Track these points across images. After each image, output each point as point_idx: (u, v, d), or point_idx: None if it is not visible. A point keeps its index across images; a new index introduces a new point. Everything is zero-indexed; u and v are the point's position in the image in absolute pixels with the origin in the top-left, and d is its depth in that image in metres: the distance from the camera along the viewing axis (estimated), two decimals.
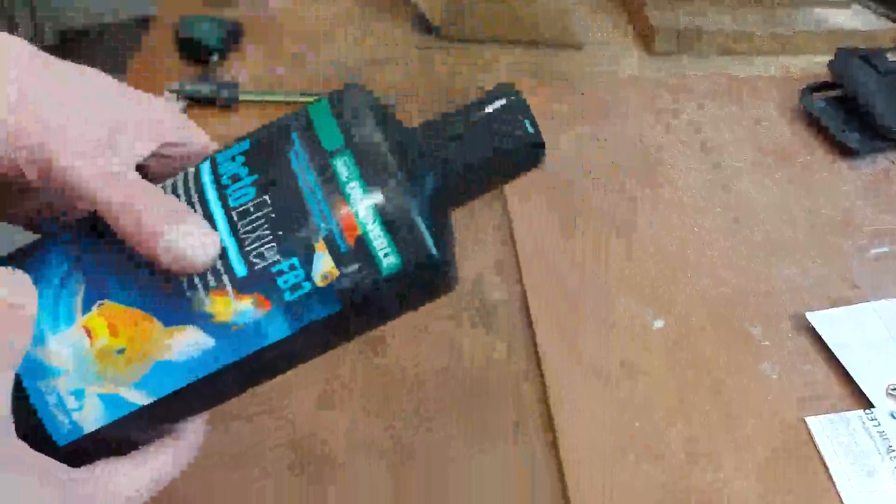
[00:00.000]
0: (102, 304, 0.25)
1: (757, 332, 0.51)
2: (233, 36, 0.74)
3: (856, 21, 0.83)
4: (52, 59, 0.25)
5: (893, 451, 0.44)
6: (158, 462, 0.27)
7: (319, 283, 0.25)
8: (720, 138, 0.67)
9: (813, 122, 0.69)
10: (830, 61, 0.71)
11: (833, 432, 0.45)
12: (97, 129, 0.24)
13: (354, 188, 0.25)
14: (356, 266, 0.25)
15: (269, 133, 0.27)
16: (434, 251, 0.25)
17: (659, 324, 0.51)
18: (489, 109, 0.27)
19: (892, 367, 0.48)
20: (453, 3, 0.77)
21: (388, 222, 0.24)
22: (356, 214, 0.24)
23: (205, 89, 0.67)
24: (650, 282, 0.54)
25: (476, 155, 0.27)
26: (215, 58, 0.71)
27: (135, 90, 0.26)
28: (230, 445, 0.43)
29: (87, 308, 0.25)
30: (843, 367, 0.48)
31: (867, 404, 0.46)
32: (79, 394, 0.25)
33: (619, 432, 0.45)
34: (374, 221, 0.24)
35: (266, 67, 0.73)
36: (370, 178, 0.25)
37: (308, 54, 0.75)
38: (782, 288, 0.54)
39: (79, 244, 0.26)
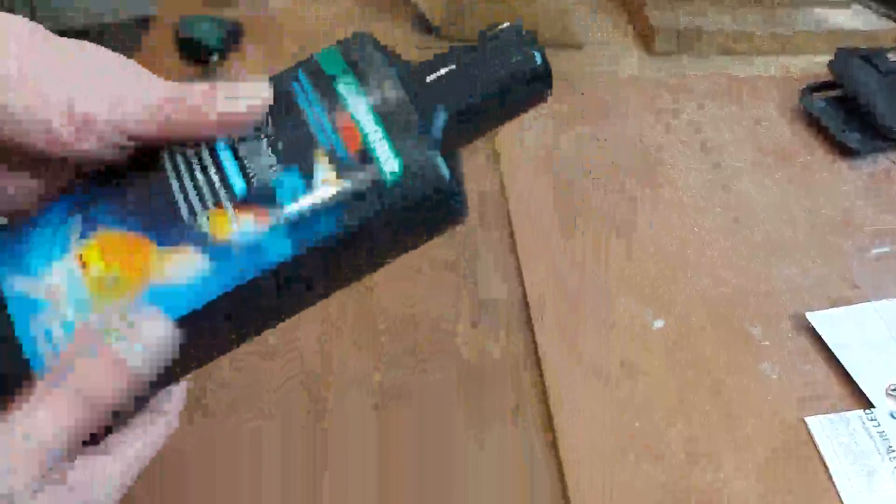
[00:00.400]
0: (96, 233, 0.24)
1: (757, 332, 0.51)
2: (233, 36, 0.74)
3: (856, 21, 0.83)
4: (52, 35, 0.25)
5: (893, 451, 0.44)
6: (150, 426, 0.26)
7: (321, 195, 0.24)
8: (720, 138, 0.67)
9: (813, 122, 0.69)
10: (830, 61, 0.71)
11: (833, 432, 0.45)
12: (97, 103, 0.24)
13: (357, 102, 0.24)
14: (358, 175, 0.24)
15: (276, 75, 0.27)
16: (438, 162, 0.24)
17: (659, 324, 0.51)
18: (497, 40, 0.27)
19: (892, 367, 0.48)
20: (453, 3, 0.77)
21: (391, 129, 0.24)
22: (358, 124, 0.24)
23: None
24: (650, 282, 0.54)
25: (485, 85, 0.26)
26: (215, 58, 0.71)
27: (136, 64, 0.26)
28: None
29: (81, 239, 0.24)
30: (843, 367, 0.48)
31: (867, 404, 0.46)
32: (68, 326, 0.24)
33: (619, 432, 0.45)
34: (377, 130, 0.24)
35: (266, 67, 0.73)
36: (373, 91, 0.24)
37: (308, 54, 0.75)
38: (782, 288, 0.54)
39: (80, 195, 0.26)
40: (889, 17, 0.84)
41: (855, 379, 0.47)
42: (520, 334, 0.50)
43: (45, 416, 0.21)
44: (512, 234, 0.57)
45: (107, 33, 1.99)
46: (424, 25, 0.80)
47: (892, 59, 0.70)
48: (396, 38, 0.79)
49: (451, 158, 0.25)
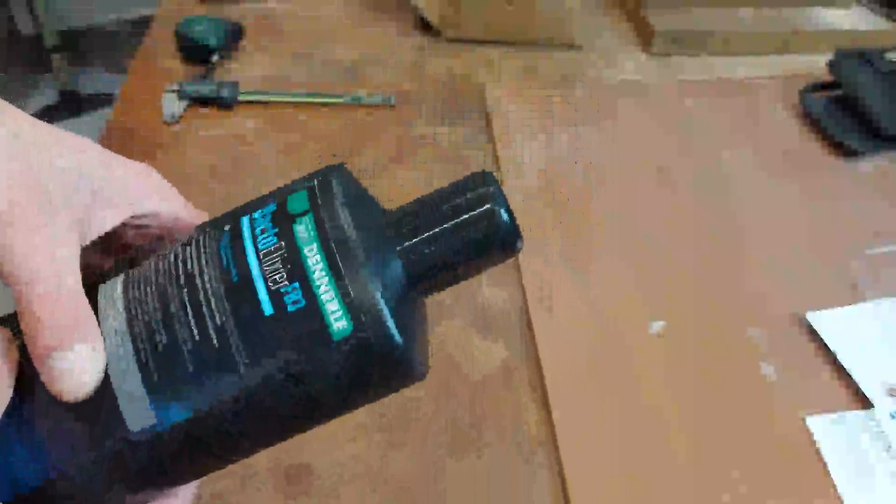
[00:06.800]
0: None
1: (757, 332, 0.51)
2: (233, 36, 0.74)
3: (856, 21, 0.83)
4: (29, 139, 0.24)
5: (893, 451, 0.44)
6: None
7: (266, 345, 0.24)
8: (719, 139, 0.67)
9: (813, 122, 0.69)
10: (830, 61, 0.71)
11: (833, 432, 0.45)
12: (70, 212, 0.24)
13: (313, 253, 0.24)
14: (303, 325, 0.23)
15: (235, 211, 0.27)
16: (390, 325, 0.24)
17: (658, 325, 0.51)
18: (464, 197, 0.26)
19: (892, 367, 0.48)
20: (453, 3, 0.77)
21: (345, 286, 0.23)
22: (311, 276, 0.24)
23: (205, 89, 0.67)
24: (650, 282, 0.54)
25: (449, 244, 0.26)
26: (215, 58, 0.72)
27: (114, 155, 0.26)
28: None
29: None
30: (843, 367, 0.48)
31: (867, 404, 0.46)
32: None
33: (619, 435, 0.45)
34: (329, 286, 0.23)
35: (266, 67, 0.73)
36: (329, 242, 0.24)
37: (308, 54, 0.75)
38: (782, 288, 0.54)
39: None
40: (889, 17, 0.84)
41: (855, 379, 0.47)
42: (519, 338, 0.50)
43: None
44: None
45: (107, 33, 1.99)
46: (424, 25, 0.80)
47: (891, 59, 0.70)
48: (396, 38, 0.79)
49: (409, 314, 0.25)
